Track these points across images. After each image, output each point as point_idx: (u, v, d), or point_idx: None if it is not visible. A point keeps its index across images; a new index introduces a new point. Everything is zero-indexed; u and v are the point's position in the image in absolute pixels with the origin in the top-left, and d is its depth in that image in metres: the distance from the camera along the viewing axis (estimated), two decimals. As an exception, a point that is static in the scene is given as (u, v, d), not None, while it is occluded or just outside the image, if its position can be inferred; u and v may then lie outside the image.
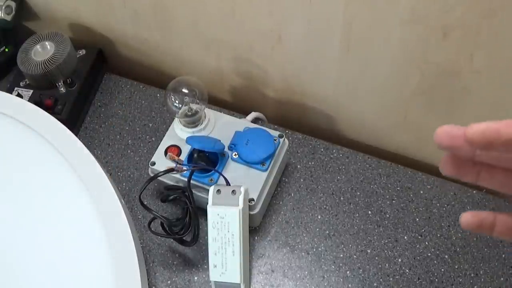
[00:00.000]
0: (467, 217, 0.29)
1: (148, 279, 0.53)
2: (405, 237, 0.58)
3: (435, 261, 0.56)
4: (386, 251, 0.57)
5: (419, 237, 0.58)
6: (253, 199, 0.55)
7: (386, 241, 0.58)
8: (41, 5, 0.75)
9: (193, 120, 0.59)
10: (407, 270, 0.56)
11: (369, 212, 0.60)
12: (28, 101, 0.64)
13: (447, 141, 0.26)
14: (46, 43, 0.68)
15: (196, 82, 0.58)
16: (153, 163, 0.58)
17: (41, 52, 0.68)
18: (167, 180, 0.58)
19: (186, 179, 0.54)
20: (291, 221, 0.60)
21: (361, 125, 0.68)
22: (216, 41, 0.65)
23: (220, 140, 0.57)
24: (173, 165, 0.55)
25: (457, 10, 0.46)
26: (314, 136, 0.66)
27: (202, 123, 0.60)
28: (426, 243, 0.57)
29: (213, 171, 0.55)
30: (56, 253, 0.48)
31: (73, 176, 0.50)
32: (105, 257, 0.46)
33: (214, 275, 0.52)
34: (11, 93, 0.68)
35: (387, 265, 0.56)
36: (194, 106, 0.58)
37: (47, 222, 0.49)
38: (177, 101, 0.58)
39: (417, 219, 0.59)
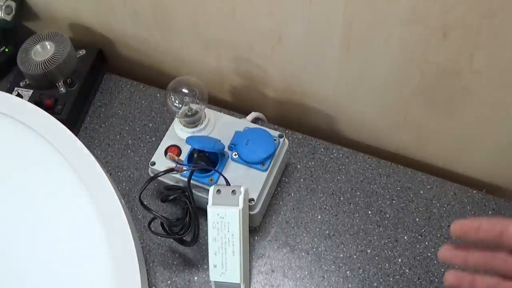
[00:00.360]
0: (450, 278, 0.39)
1: (148, 279, 0.53)
2: (405, 237, 0.58)
3: (435, 261, 0.56)
4: (386, 251, 0.57)
5: (419, 237, 0.58)
6: (253, 199, 0.55)
7: (386, 241, 0.58)
8: (41, 5, 0.75)
9: (193, 120, 0.59)
10: (407, 270, 0.56)
11: (369, 212, 0.60)
12: (28, 101, 0.64)
13: (449, 257, 0.39)
14: (46, 43, 0.68)
15: (196, 82, 0.58)
16: (153, 163, 0.58)
17: (41, 52, 0.68)
18: (167, 180, 0.57)
19: (186, 179, 0.54)
20: (291, 221, 0.60)
21: (361, 125, 0.68)
22: (216, 41, 0.65)
23: (220, 140, 0.57)
24: (173, 165, 0.55)
25: (457, 10, 0.46)
26: (314, 136, 0.66)
27: (202, 123, 0.60)
28: (426, 243, 0.57)
29: (213, 171, 0.55)
30: (56, 253, 0.48)
31: (73, 176, 0.50)
32: (105, 257, 0.46)
33: (214, 275, 0.52)
34: (11, 93, 0.68)
35: (387, 265, 0.56)
36: (194, 106, 0.58)
37: (47, 222, 0.49)
38: (177, 101, 0.58)
39: (417, 219, 0.59)
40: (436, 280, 0.55)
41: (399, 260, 0.56)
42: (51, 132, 0.53)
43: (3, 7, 0.71)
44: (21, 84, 0.69)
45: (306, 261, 0.57)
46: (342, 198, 0.61)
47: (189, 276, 0.57)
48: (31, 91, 0.68)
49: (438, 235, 0.58)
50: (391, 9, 0.49)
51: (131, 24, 0.70)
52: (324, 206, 0.61)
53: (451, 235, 0.38)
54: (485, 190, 0.61)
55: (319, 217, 0.60)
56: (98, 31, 0.74)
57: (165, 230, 0.55)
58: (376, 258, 0.57)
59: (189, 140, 0.56)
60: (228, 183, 0.54)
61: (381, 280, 0.55)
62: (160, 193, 0.62)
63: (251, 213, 0.55)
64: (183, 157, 0.57)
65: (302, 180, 0.63)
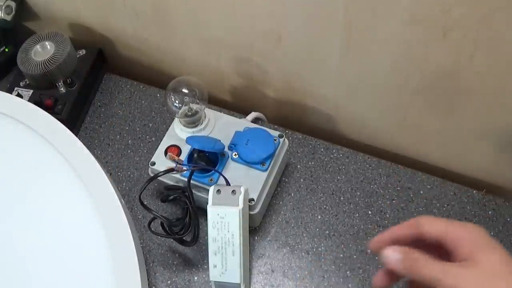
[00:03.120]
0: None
1: (148, 279, 0.53)
2: (405, 237, 0.58)
3: (435, 261, 0.56)
4: (386, 251, 0.57)
5: (419, 237, 0.58)
6: (253, 199, 0.55)
7: (386, 241, 0.58)
8: (41, 5, 0.75)
9: (193, 120, 0.59)
10: (407, 270, 0.56)
11: (369, 212, 0.60)
12: (28, 101, 0.64)
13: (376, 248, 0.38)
14: (46, 43, 0.68)
15: (196, 82, 0.58)
16: (153, 163, 0.58)
17: (41, 52, 0.68)
18: (167, 180, 0.58)
19: (186, 179, 0.54)
20: (291, 221, 0.60)
21: (361, 125, 0.68)
22: (216, 41, 0.65)
23: (220, 140, 0.57)
24: (173, 165, 0.55)
25: (457, 10, 0.46)
26: (314, 136, 0.66)
27: (202, 123, 0.60)
28: (426, 243, 0.57)
29: (213, 171, 0.55)
30: (56, 253, 0.48)
31: (73, 176, 0.50)
32: (105, 257, 0.46)
33: (214, 275, 0.52)
34: (11, 93, 0.68)
35: (387, 265, 0.56)
36: (194, 106, 0.58)
37: (47, 222, 0.49)
38: (177, 101, 0.58)
39: (417, 219, 0.59)
40: (436, 280, 0.55)
41: (399, 260, 0.56)
42: (51, 132, 0.53)
43: (3, 7, 0.71)
44: (21, 84, 0.69)
45: (306, 261, 0.57)
46: (342, 198, 0.61)
47: (189, 276, 0.57)
48: (31, 91, 0.68)
49: (438, 235, 0.58)
50: (391, 10, 0.49)
51: (131, 24, 0.70)
52: (324, 206, 0.61)
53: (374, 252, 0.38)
54: (485, 190, 0.61)
55: (319, 217, 0.60)
56: (98, 31, 0.74)
57: (165, 230, 0.55)
58: (376, 258, 0.57)
59: (189, 140, 0.56)
60: (228, 183, 0.54)
61: (381, 280, 0.55)
62: (160, 193, 0.62)
63: (251, 213, 0.55)
64: (183, 157, 0.57)
65: (302, 180, 0.63)
